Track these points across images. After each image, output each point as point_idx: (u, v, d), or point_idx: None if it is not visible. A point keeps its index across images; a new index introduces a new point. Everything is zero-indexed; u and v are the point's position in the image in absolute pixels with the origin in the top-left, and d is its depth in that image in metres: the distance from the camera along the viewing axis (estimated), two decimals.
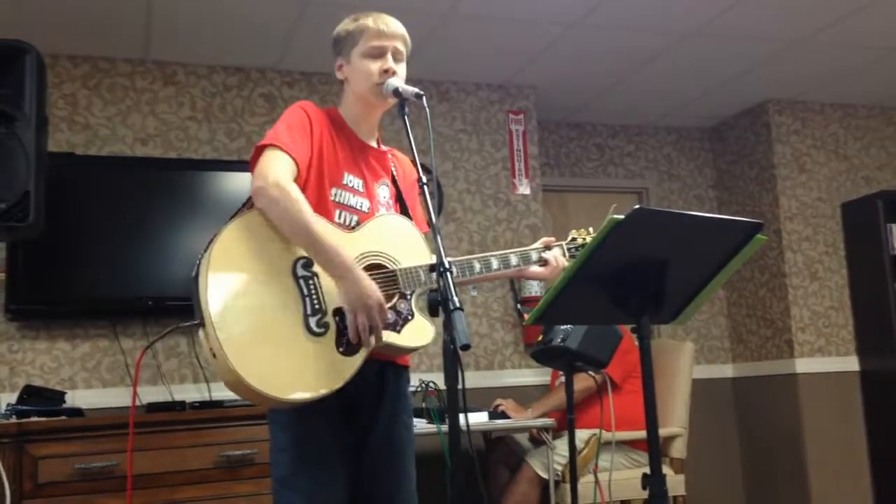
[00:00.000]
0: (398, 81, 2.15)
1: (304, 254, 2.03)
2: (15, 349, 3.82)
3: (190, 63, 4.30)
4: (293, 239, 2.02)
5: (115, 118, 4.15)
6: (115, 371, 3.92)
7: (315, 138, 2.14)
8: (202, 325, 1.90)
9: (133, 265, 3.88)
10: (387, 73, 2.16)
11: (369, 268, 2.09)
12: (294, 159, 2.06)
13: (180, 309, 3.87)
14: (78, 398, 3.77)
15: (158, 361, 3.97)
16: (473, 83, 4.80)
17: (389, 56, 2.19)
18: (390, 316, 2.06)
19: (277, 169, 2.03)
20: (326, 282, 2.02)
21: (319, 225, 2.01)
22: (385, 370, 2.16)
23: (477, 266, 2.25)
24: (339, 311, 2.02)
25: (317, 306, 2.00)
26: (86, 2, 3.64)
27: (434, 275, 2.00)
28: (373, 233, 2.15)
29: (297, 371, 1.94)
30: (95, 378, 3.90)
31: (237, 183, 4.01)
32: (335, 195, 2.15)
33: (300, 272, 2.02)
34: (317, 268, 2.03)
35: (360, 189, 2.20)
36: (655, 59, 4.54)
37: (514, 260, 2.32)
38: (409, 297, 2.12)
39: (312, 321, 1.98)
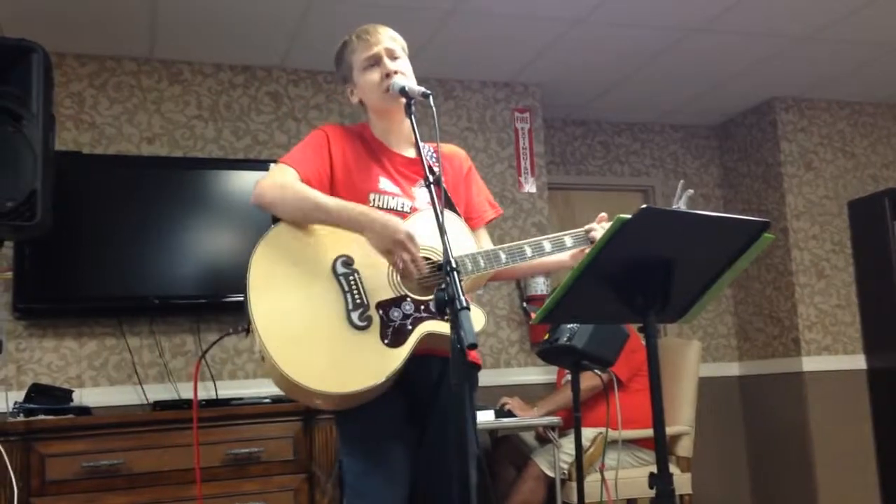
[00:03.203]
0: (404, 80, 2.17)
1: (343, 252, 2.08)
2: (22, 347, 3.83)
3: (196, 61, 4.31)
4: (310, 219, 2.08)
5: (121, 117, 4.16)
6: (122, 369, 3.93)
7: (336, 154, 2.20)
8: (250, 329, 1.98)
9: (139, 264, 3.88)
10: (388, 76, 2.19)
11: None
12: (299, 173, 2.12)
13: (187, 307, 3.95)
14: (85, 396, 3.78)
15: (165, 360, 3.98)
16: (479, 81, 4.79)
17: (385, 60, 2.22)
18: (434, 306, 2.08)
19: (275, 177, 2.11)
20: (367, 276, 2.07)
21: (327, 196, 2.07)
22: (446, 366, 2.13)
23: (528, 251, 2.23)
24: (381, 305, 2.05)
25: (358, 301, 2.04)
26: (92, 1, 3.64)
27: (483, 262, 2.10)
28: (415, 227, 2.16)
29: (343, 365, 1.98)
30: (102, 376, 3.91)
31: (243, 181, 4.02)
32: (374, 200, 2.18)
33: (340, 270, 2.07)
34: (357, 265, 2.07)
35: (399, 192, 2.22)
36: (661, 56, 4.53)
37: (569, 241, 2.29)
38: None
39: (355, 315, 2.02)
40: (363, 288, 2.06)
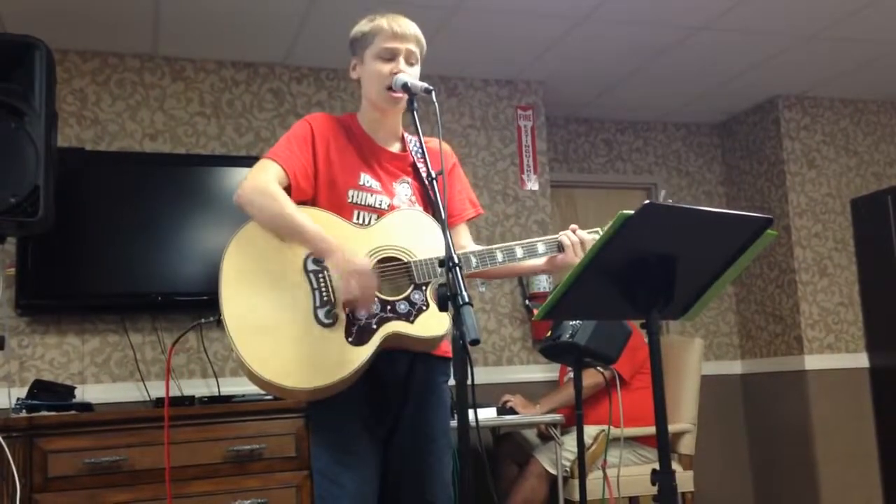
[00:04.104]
0: (407, 76, 2.16)
1: None
2: (25, 344, 3.83)
3: (198, 58, 4.31)
4: (279, 232, 2.10)
5: (123, 114, 4.16)
6: (125, 366, 3.93)
7: (320, 148, 2.20)
8: (219, 322, 2.03)
9: (142, 260, 3.89)
10: (394, 75, 2.18)
11: (383, 261, 2.13)
12: (283, 168, 2.13)
13: (189, 304, 3.95)
14: (87, 393, 3.78)
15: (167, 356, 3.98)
16: (482, 79, 4.79)
17: (401, 59, 2.20)
18: (403, 306, 2.10)
19: (258, 176, 2.12)
20: (337, 275, 2.07)
21: (302, 214, 2.08)
22: (415, 362, 2.18)
23: (499, 256, 2.23)
24: (349, 304, 2.07)
25: (325, 298, 2.06)
26: None
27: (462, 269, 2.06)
28: (388, 228, 2.19)
29: (307, 361, 2.01)
30: (105, 373, 3.91)
31: None
32: (352, 196, 2.19)
33: (311, 266, 2.09)
34: (328, 262, 2.08)
35: (378, 188, 2.23)
36: (664, 53, 4.53)
37: (541, 248, 2.28)
38: (423, 288, 2.13)
39: (321, 312, 2.05)
40: (332, 286, 2.07)
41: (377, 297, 2.09)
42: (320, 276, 2.08)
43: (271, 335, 2.01)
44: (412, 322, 2.10)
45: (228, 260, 2.07)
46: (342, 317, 2.05)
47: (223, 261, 2.06)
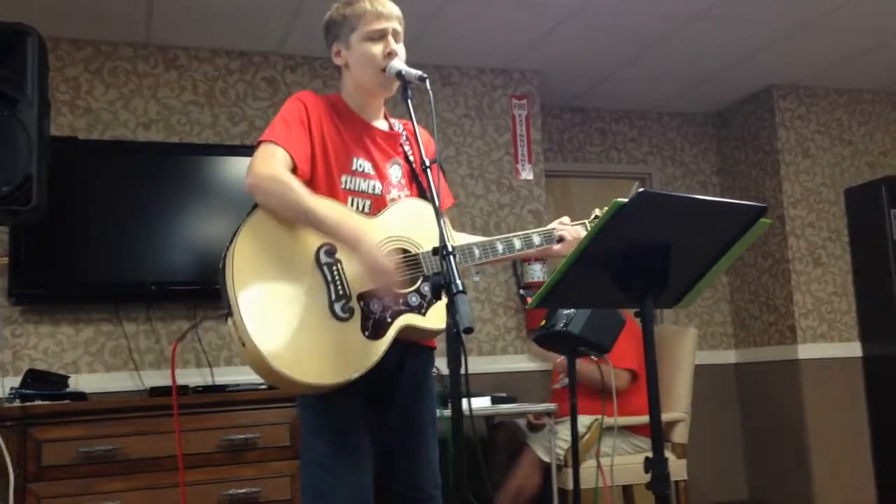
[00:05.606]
0: (401, 64, 2.14)
1: (326, 241, 2.06)
2: (18, 333, 3.82)
3: (192, 47, 4.29)
4: (296, 221, 2.05)
5: (117, 102, 4.14)
6: (118, 355, 3.93)
7: (315, 128, 2.15)
8: (230, 314, 1.93)
9: (136, 250, 3.88)
10: (390, 55, 2.15)
11: (392, 253, 2.11)
12: (289, 152, 2.08)
13: (183, 293, 3.95)
14: (81, 382, 3.78)
15: (161, 346, 3.97)
16: (476, 67, 4.78)
17: (390, 38, 2.17)
18: (414, 299, 2.09)
19: (269, 162, 2.05)
20: (350, 268, 2.05)
21: (322, 204, 2.04)
22: (406, 352, 2.17)
23: (500, 247, 2.25)
24: (362, 296, 2.04)
25: (341, 292, 2.03)
26: None
27: (458, 257, 2.06)
28: (394, 218, 2.17)
29: (325, 356, 1.97)
30: (98, 362, 3.91)
31: (239, 167, 3.98)
32: (345, 182, 2.16)
33: (323, 259, 2.05)
34: (340, 254, 2.05)
35: (371, 172, 2.20)
36: (659, 43, 4.52)
37: (537, 240, 2.31)
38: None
39: (337, 307, 2.01)
40: (345, 278, 2.04)
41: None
42: (334, 268, 2.04)
43: (290, 331, 1.95)
44: (424, 315, 2.09)
45: (238, 253, 1.97)
46: (357, 310, 2.02)
47: (233, 253, 1.96)
